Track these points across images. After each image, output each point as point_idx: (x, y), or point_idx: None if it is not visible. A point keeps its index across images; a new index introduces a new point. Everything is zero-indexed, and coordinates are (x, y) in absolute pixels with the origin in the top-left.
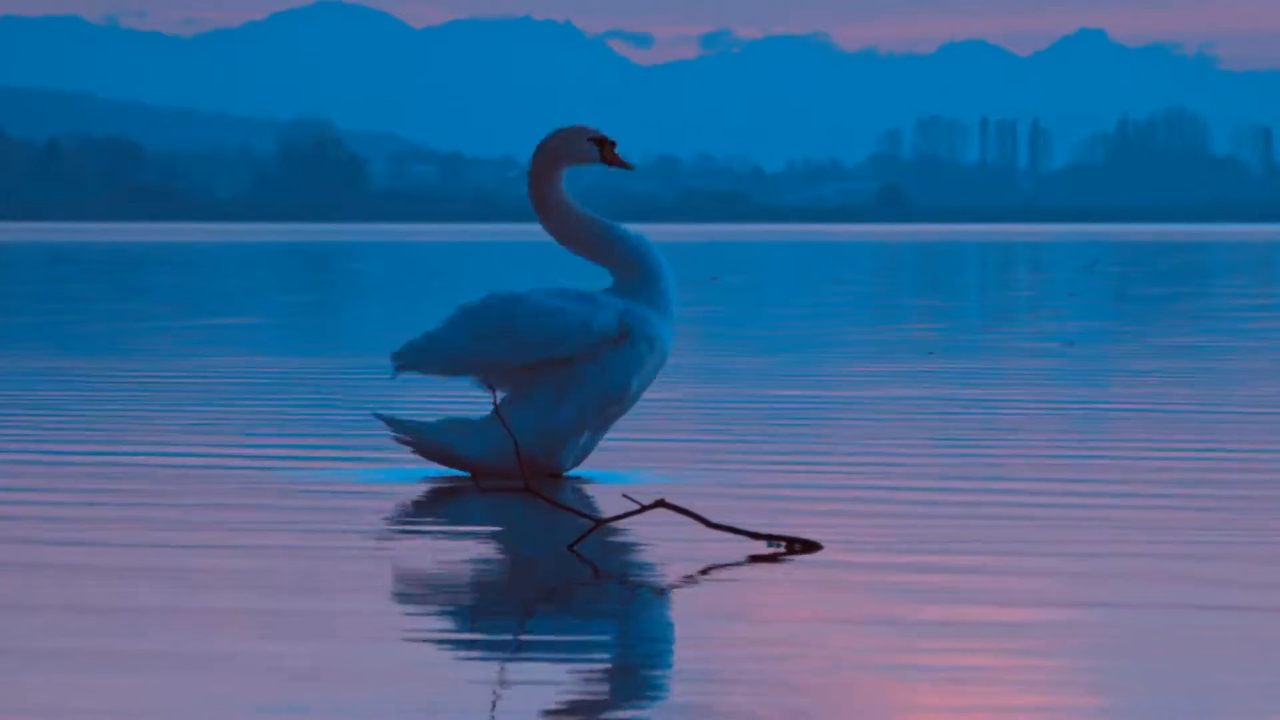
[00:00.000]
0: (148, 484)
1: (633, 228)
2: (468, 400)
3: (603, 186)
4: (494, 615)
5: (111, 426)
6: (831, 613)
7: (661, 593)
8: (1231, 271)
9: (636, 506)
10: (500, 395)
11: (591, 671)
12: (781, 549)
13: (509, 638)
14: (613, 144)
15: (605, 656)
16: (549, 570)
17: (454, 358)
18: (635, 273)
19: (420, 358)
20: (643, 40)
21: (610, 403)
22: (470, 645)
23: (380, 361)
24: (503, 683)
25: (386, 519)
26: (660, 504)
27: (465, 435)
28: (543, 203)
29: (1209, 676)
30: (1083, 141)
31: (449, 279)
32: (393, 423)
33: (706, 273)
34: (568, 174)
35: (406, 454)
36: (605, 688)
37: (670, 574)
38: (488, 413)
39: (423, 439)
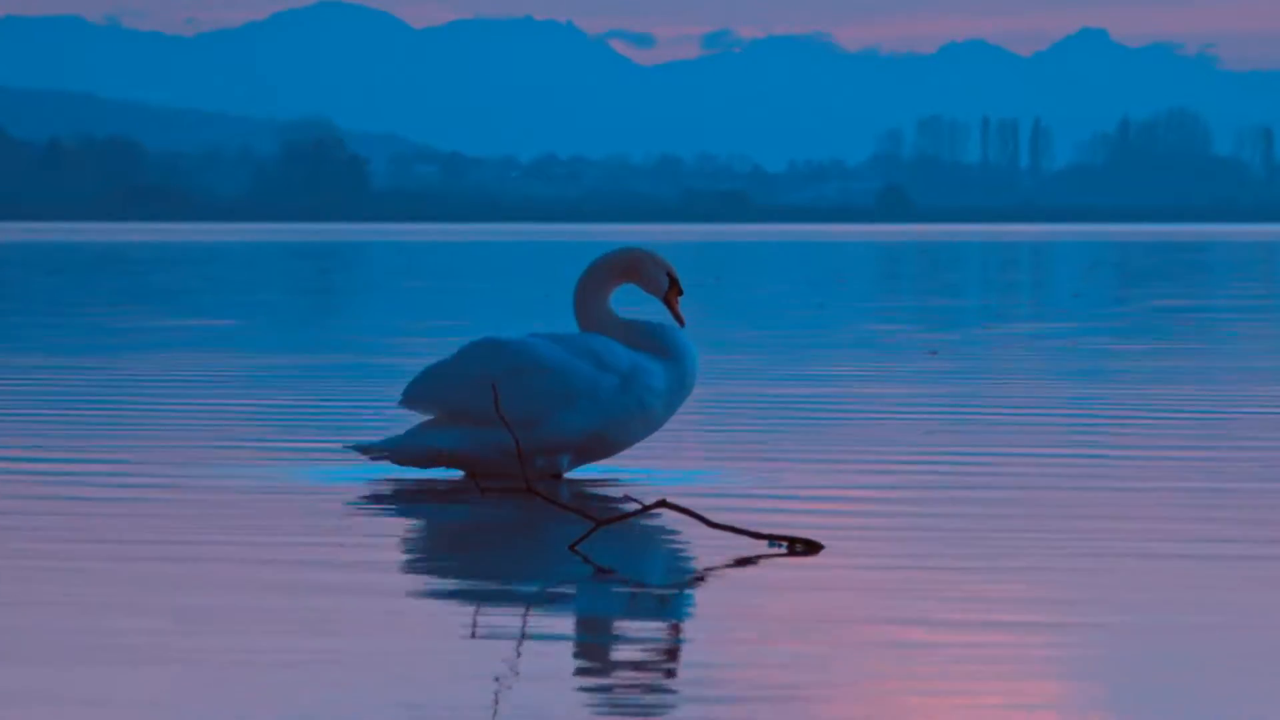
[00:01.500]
0: (147, 486)
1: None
2: None
3: (606, 186)
4: (495, 615)
5: (106, 430)
6: (833, 613)
7: (663, 593)
8: (1235, 272)
9: (638, 506)
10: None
11: (593, 671)
12: (783, 549)
13: (511, 637)
14: (680, 291)
15: (606, 656)
16: (550, 570)
17: (459, 405)
18: (666, 355)
19: (425, 402)
20: (644, 40)
21: (587, 440)
22: (471, 644)
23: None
24: (504, 682)
25: (386, 519)
26: (662, 504)
27: (442, 430)
28: (585, 304)
29: (1209, 676)
30: (1084, 141)
31: (446, 281)
32: (366, 449)
33: (710, 273)
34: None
35: None
36: (606, 688)
37: (671, 574)
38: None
39: (399, 449)
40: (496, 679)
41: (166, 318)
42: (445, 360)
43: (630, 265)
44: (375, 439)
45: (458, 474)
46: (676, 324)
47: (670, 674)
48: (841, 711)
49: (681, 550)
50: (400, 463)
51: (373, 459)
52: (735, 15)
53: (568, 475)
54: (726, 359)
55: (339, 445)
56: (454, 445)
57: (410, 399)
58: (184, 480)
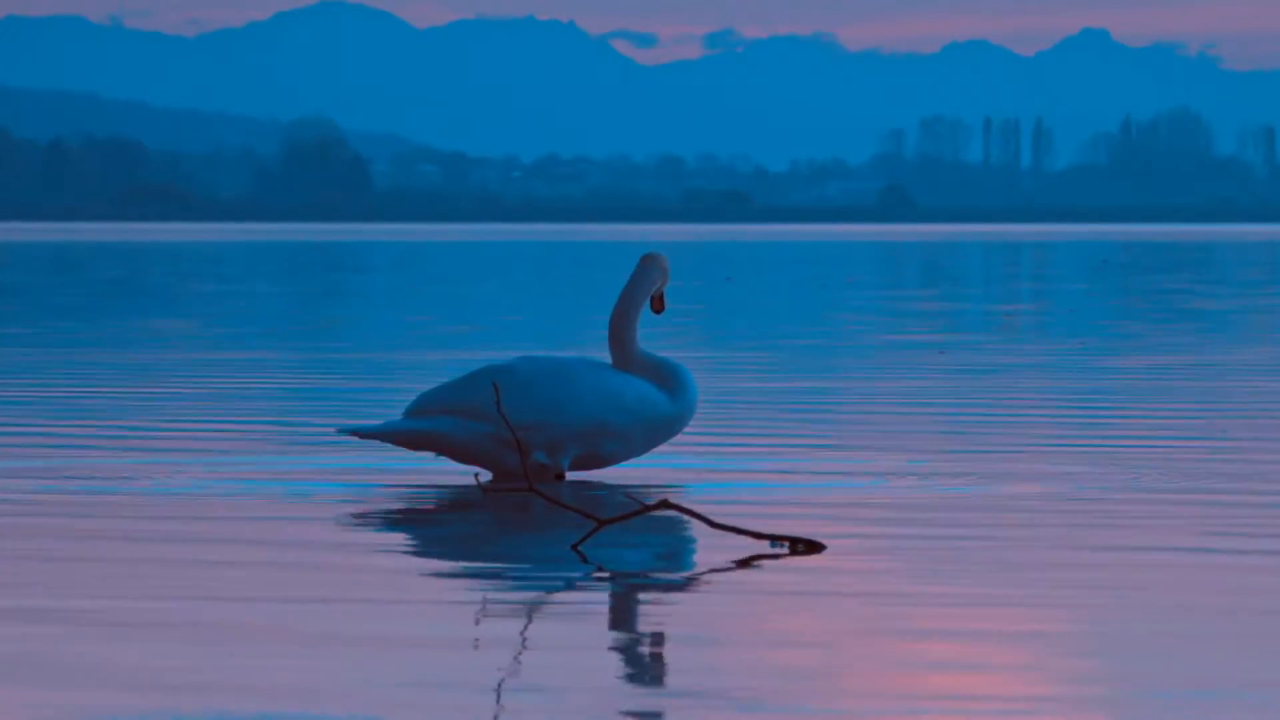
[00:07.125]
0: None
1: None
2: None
3: (608, 186)
4: (497, 614)
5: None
6: (834, 613)
7: (664, 592)
8: (1241, 270)
9: (640, 506)
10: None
11: (594, 671)
12: (785, 549)
13: (512, 637)
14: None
15: (608, 656)
16: (552, 569)
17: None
18: (670, 391)
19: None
20: (646, 40)
21: (576, 439)
22: (473, 644)
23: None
24: (505, 681)
25: (389, 519)
26: (664, 504)
27: (433, 417)
28: (627, 314)
29: (1209, 673)
30: (1086, 141)
31: (446, 284)
32: (358, 432)
33: (717, 273)
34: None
35: (406, 457)
36: (608, 687)
37: (673, 574)
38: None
39: (390, 431)
40: (498, 679)
41: (165, 317)
42: (447, 383)
43: (662, 265)
44: (369, 424)
45: (459, 475)
46: (683, 370)
47: (671, 674)
48: (842, 711)
49: (683, 550)
50: (390, 442)
51: (363, 438)
52: (737, 15)
53: (570, 476)
54: (730, 358)
55: (333, 429)
56: (443, 430)
57: (414, 415)
58: (184, 480)
